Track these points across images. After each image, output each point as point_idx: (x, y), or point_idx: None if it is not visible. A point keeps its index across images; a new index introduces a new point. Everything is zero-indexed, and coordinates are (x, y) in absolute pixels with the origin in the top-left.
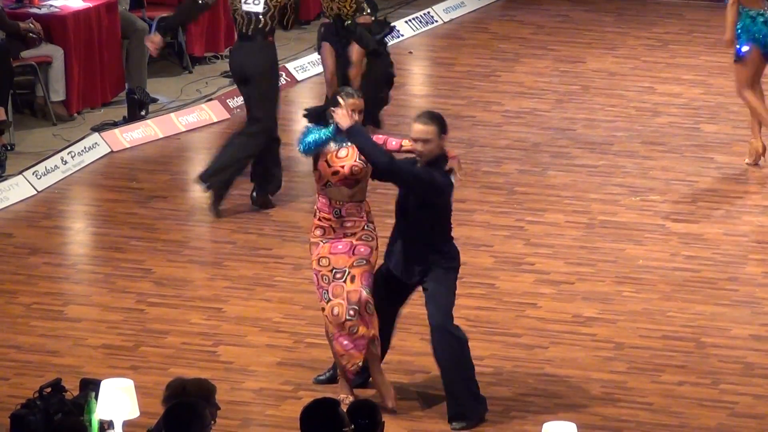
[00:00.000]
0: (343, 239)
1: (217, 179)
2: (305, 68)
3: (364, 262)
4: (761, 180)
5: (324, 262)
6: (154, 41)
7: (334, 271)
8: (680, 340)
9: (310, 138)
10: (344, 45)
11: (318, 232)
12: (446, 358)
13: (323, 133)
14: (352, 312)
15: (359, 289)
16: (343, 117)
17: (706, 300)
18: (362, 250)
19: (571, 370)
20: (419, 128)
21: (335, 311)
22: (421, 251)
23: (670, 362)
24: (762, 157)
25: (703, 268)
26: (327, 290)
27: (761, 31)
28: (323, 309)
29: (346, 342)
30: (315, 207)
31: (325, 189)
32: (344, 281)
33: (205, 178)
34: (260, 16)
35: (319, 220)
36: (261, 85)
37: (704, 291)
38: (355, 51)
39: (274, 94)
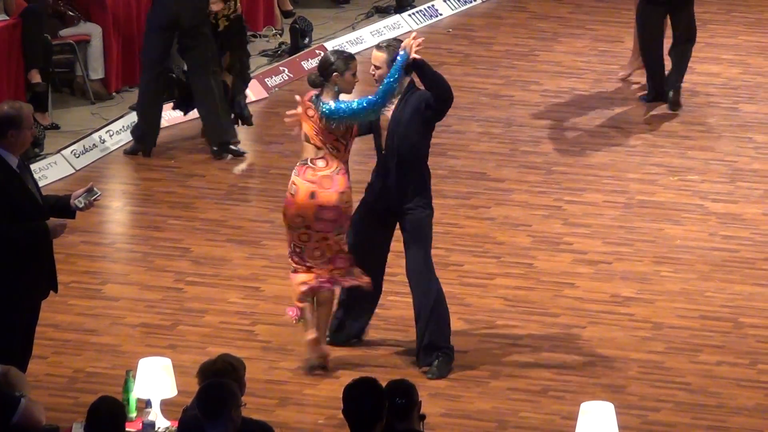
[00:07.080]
0: None
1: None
2: (342, 48)
3: None
4: None
5: None
6: None
7: None
8: (718, 320)
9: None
10: None
11: None
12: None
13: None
14: None
15: None
16: (413, 48)
17: (744, 280)
18: None
19: (608, 350)
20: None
21: None
22: (406, 178)
23: (708, 342)
24: None
25: (741, 248)
26: None
27: None
28: None
29: None
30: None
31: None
32: None
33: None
34: None
35: None
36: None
37: (742, 271)
38: None
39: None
